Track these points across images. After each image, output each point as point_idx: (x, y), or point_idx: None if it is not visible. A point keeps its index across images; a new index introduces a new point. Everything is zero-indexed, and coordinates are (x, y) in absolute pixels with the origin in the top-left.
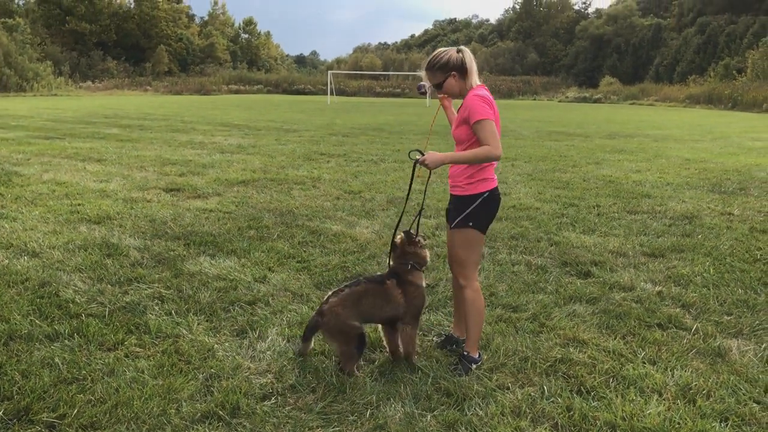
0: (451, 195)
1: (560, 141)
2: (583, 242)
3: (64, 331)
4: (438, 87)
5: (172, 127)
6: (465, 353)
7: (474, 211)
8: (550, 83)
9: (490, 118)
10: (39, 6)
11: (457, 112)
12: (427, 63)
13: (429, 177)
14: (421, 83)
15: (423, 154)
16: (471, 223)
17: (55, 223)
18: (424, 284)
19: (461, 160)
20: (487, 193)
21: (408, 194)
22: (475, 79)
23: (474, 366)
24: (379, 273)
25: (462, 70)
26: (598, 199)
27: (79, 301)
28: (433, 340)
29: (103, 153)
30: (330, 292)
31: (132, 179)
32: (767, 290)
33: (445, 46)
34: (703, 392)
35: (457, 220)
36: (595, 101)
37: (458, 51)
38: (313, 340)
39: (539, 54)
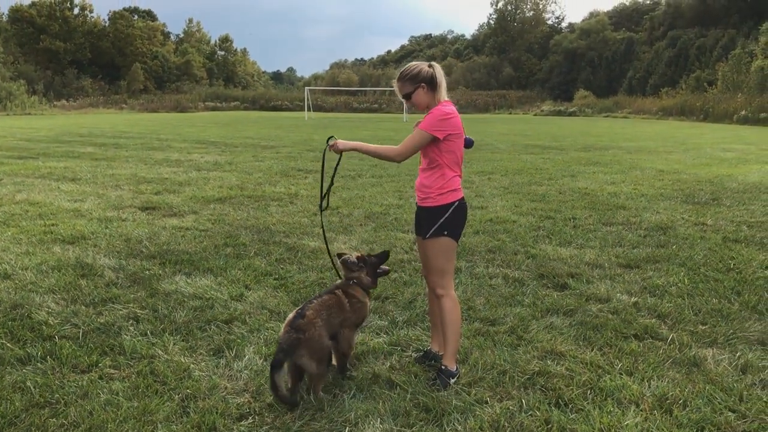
0: (420, 207)
1: (536, 154)
2: (560, 254)
3: (37, 353)
4: (407, 97)
5: (147, 145)
6: (443, 367)
7: (447, 220)
8: (525, 97)
9: (427, 130)
10: (12, 25)
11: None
12: (399, 74)
13: (339, 159)
14: None
15: (335, 139)
16: (446, 232)
17: (28, 243)
18: (367, 300)
19: (366, 151)
20: (456, 202)
21: (322, 174)
22: (443, 94)
23: (452, 380)
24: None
25: (432, 83)
26: (573, 212)
27: (52, 323)
28: (411, 356)
29: (77, 172)
30: (293, 313)
31: (107, 198)
32: (741, 299)
33: (420, 61)
34: (680, 402)
35: (432, 230)
36: (570, 114)
37: (429, 66)
38: (286, 367)
39: (514, 68)
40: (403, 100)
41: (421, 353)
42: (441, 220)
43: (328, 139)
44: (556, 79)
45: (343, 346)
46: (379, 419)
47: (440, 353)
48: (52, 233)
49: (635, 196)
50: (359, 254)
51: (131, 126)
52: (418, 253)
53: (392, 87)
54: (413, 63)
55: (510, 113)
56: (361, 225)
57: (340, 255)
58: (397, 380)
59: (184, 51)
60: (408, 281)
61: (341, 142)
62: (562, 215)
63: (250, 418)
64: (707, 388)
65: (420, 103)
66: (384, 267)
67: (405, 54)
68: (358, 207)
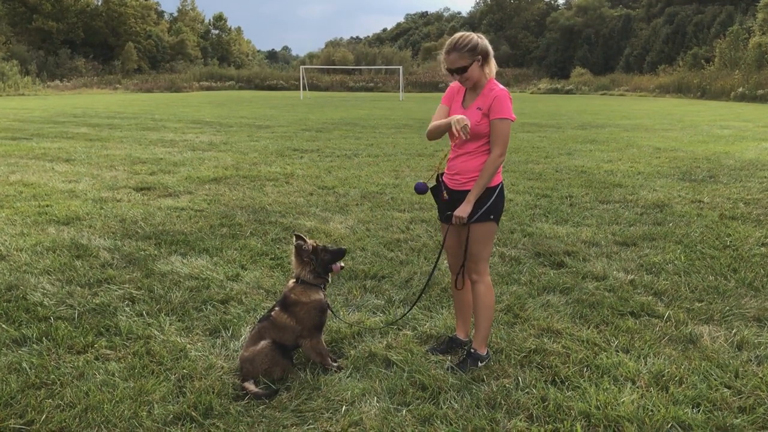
0: (461, 192)
1: (533, 132)
2: (556, 233)
3: (32, 335)
4: (461, 71)
5: (142, 126)
6: (472, 350)
7: (493, 203)
8: (522, 75)
9: (512, 118)
10: (3, 4)
11: (470, 102)
12: (454, 44)
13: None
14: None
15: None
16: (492, 216)
17: (22, 225)
18: (317, 297)
19: (483, 188)
20: (500, 185)
21: (438, 257)
22: (493, 68)
23: (481, 364)
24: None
25: (487, 56)
26: (570, 190)
27: (47, 304)
28: (407, 335)
29: (71, 153)
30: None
31: (101, 179)
32: (737, 276)
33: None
34: (676, 379)
35: (478, 215)
36: (567, 92)
37: (480, 37)
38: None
39: (511, 46)
40: (450, 73)
41: (444, 343)
42: (488, 204)
43: (444, 215)
44: (553, 57)
45: (312, 357)
46: (375, 398)
47: (466, 340)
48: (46, 214)
49: (632, 174)
50: (315, 244)
51: (125, 106)
52: (443, 239)
53: (383, 66)
54: (465, 33)
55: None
56: (357, 204)
57: (298, 237)
58: (393, 359)
59: (178, 30)
60: (404, 260)
61: (463, 211)
62: (559, 193)
63: (246, 397)
64: (703, 364)
65: (472, 78)
66: (339, 264)
67: (401, 32)
68: (354, 186)
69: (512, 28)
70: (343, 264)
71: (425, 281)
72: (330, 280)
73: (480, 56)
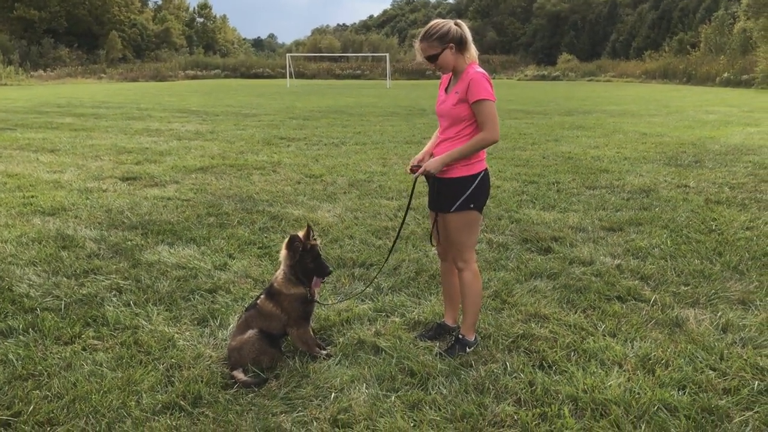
0: (442, 179)
1: (520, 119)
2: (543, 219)
3: (18, 326)
4: (432, 59)
5: (127, 115)
6: (460, 336)
7: (474, 192)
8: (509, 62)
9: (492, 99)
10: None
11: (451, 87)
12: (424, 33)
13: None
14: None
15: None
16: (472, 205)
17: (7, 216)
18: (300, 289)
19: (459, 156)
20: (482, 173)
21: (408, 207)
22: (473, 54)
23: (470, 349)
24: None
25: (461, 43)
26: (557, 176)
27: (33, 295)
28: (396, 321)
29: (56, 143)
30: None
31: (87, 169)
32: (722, 260)
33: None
34: (662, 362)
35: (457, 204)
36: (554, 79)
37: (457, 24)
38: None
39: (497, 33)
40: (425, 61)
41: (432, 329)
42: (468, 192)
43: (412, 167)
44: (540, 43)
45: (299, 346)
46: (364, 384)
47: (454, 326)
48: (31, 205)
49: (618, 160)
50: (315, 243)
51: (110, 96)
52: (431, 226)
53: (370, 54)
54: (439, 20)
55: (494, 78)
56: (345, 193)
57: (294, 237)
58: (382, 345)
59: (163, 18)
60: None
61: (432, 164)
62: (546, 180)
63: (236, 386)
64: (689, 347)
65: (446, 65)
66: (320, 280)
67: (387, 19)
68: (341, 175)
69: (499, 14)
70: (323, 281)
71: (388, 252)
72: (311, 289)
73: (451, 43)
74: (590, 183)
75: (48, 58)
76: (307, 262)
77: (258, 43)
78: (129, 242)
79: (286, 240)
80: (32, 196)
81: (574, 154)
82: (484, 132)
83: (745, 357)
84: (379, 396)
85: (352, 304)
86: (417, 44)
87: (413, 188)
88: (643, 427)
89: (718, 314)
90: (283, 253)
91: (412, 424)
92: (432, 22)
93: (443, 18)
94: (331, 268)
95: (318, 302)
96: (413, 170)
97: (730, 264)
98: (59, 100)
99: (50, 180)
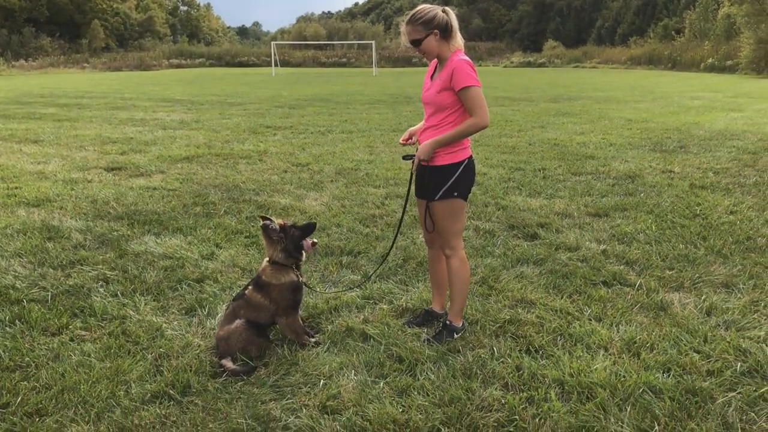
0: (427, 167)
1: (506, 106)
2: (530, 205)
3: (5, 318)
4: (416, 44)
5: (111, 105)
6: (448, 322)
7: (457, 180)
8: (494, 49)
9: (478, 84)
10: None
11: (436, 75)
12: (410, 17)
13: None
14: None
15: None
16: (456, 193)
17: None
18: (291, 278)
19: (448, 141)
20: (466, 161)
21: (407, 196)
22: (458, 41)
23: (457, 335)
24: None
25: (446, 30)
26: (543, 162)
27: (19, 287)
28: (384, 308)
29: (39, 134)
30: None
31: (71, 159)
32: (706, 244)
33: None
34: (647, 345)
35: (441, 192)
36: (540, 65)
37: (444, 11)
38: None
39: (483, 19)
40: (410, 46)
41: (420, 315)
42: (451, 181)
43: (404, 157)
44: (526, 30)
45: (288, 334)
46: (353, 371)
47: (442, 312)
48: (15, 196)
49: (604, 146)
50: (282, 222)
51: (94, 85)
52: (418, 213)
53: (356, 41)
54: (427, 5)
55: (480, 65)
56: (332, 181)
57: (264, 218)
58: (370, 332)
59: (146, 7)
60: (380, 236)
61: (422, 150)
62: (532, 166)
63: (225, 375)
64: (673, 331)
65: (430, 51)
66: (310, 240)
67: (373, 6)
68: (328, 163)
69: (484, 0)
70: (315, 240)
71: (388, 250)
72: (304, 258)
73: (436, 30)
74: (576, 169)
75: (29, 48)
76: (292, 233)
77: (243, 32)
78: (115, 233)
79: (261, 230)
80: (16, 188)
81: (560, 141)
82: (474, 117)
83: (728, 339)
84: (367, 382)
85: (339, 292)
86: (402, 27)
87: (411, 179)
88: (628, 410)
89: (702, 298)
90: (265, 242)
91: (400, 410)
92: (420, 6)
93: (430, 3)
94: (313, 221)
95: (308, 286)
96: (407, 157)
97: (714, 248)
98: (42, 90)
99: (34, 171)
